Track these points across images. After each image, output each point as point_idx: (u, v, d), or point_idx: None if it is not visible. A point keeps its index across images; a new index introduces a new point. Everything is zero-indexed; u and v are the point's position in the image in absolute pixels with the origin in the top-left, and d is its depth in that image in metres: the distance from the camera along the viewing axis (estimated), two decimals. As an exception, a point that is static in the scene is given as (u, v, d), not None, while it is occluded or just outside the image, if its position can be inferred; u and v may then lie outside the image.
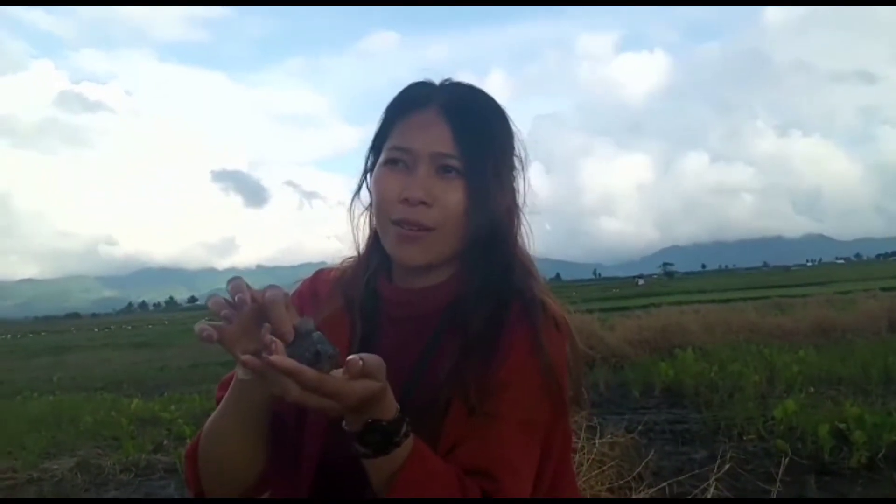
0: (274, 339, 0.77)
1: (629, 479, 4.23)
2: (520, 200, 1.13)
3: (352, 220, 1.16)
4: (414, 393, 0.97)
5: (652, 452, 4.70)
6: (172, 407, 8.66)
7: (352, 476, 0.93)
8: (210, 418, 1.00)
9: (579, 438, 4.21)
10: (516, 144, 1.13)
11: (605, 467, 4.26)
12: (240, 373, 0.88)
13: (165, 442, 6.84)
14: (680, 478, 4.40)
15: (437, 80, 1.11)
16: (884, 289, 18.57)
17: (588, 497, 3.87)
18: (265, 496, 1.06)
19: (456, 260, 1.09)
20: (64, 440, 7.22)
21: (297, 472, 1.02)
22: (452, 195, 1.03)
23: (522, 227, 1.14)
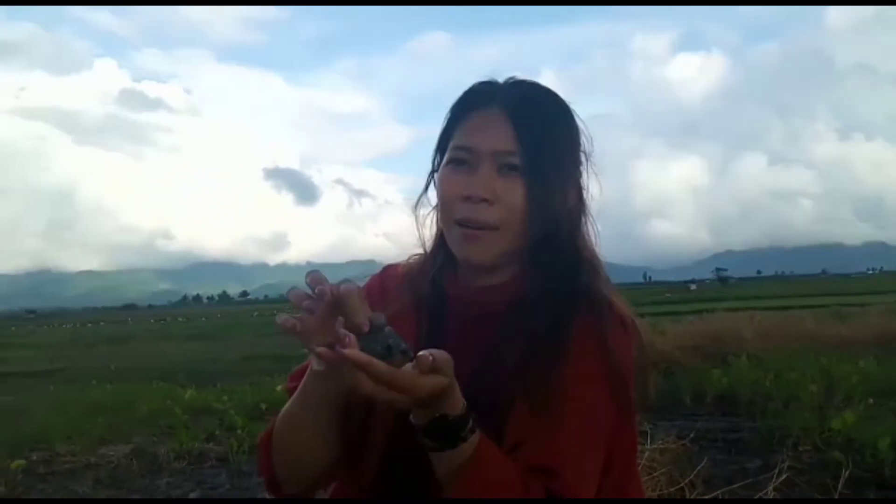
0: (347, 332, 0.79)
1: (681, 485, 4.16)
2: (586, 198, 1.12)
3: (417, 219, 1.17)
4: (479, 391, 0.96)
5: (704, 460, 4.61)
6: (225, 398, 8.82)
7: (416, 468, 0.94)
8: (284, 407, 1.02)
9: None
10: (582, 141, 1.12)
11: (655, 473, 4.19)
12: (314, 364, 0.89)
13: (217, 432, 6.97)
14: (732, 486, 4.31)
15: (502, 79, 1.11)
16: (949, 299, 17.87)
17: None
18: (331, 486, 1.08)
19: (521, 258, 1.09)
20: (120, 427, 7.42)
21: (363, 463, 1.03)
22: (514, 193, 1.02)
23: (589, 226, 1.13)
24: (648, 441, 4.52)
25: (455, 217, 1.05)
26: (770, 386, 7.40)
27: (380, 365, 0.78)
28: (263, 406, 8.16)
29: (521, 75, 1.12)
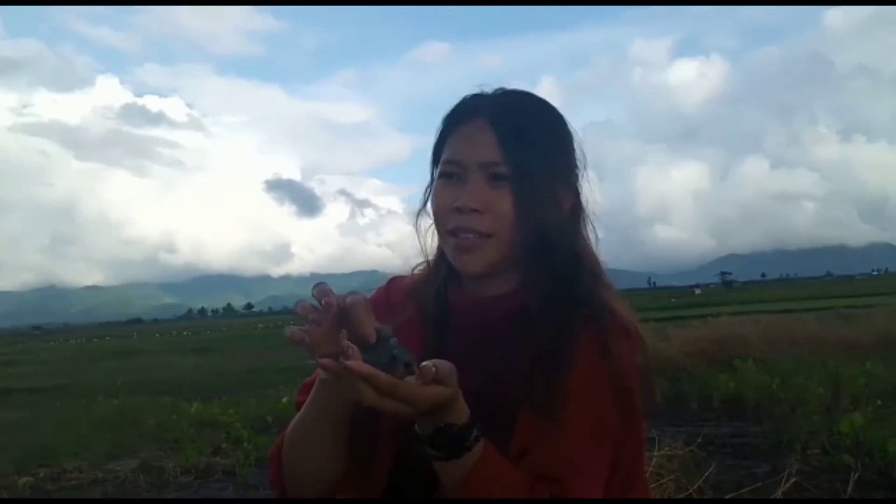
0: (350, 344, 0.79)
1: (689, 491, 4.14)
2: (584, 203, 1.13)
3: (418, 230, 1.18)
4: (484, 401, 0.97)
5: (712, 466, 4.60)
6: (231, 410, 8.83)
7: (425, 477, 0.94)
8: (293, 420, 1.03)
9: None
10: (576, 146, 1.12)
11: (663, 480, 4.18)
12: (321, 375, 0.90)
13: (224, 445, 6.97)
14: (741, 491, 4.29)
15: (489, 90, 1.12)
16: (954, 299, 17.79)
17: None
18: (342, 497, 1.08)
19: (522, 267, 1.10)
20: (127, 442, 7.42)
21: (372, 473, 1.04)
22: (504, 202, 1.03)
23: (589, 231, 1.13)
24: (656, 447, 4.51)
25: (448, 227, 1.06)
26: (777, 390, 7.38)
27: (383, 376, 0.79)
28: (269, 419, 8.17)
29: (519, 84, 1.13)
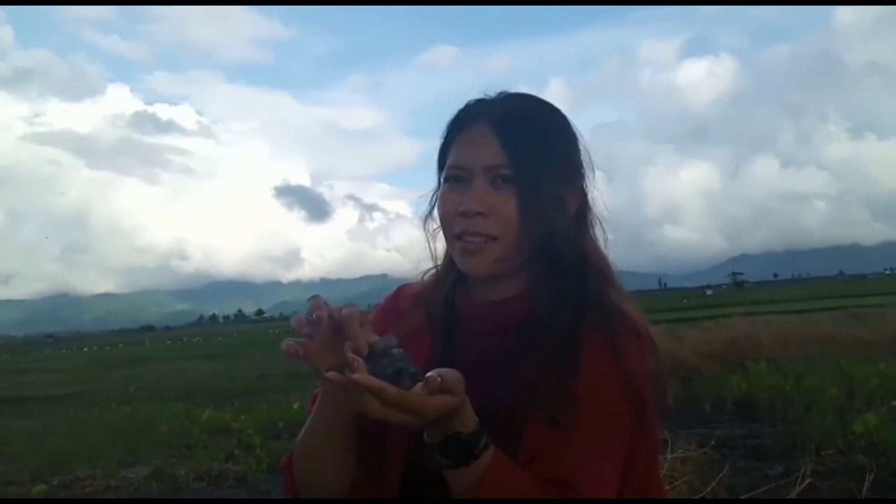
0: (356, 357, 0.80)
1: (703, 494, 4.12)
2: (592, 204, 1.13)
3: (427, 238, 1.19)
4: (493, 406, 0.97)
5: (726, 468, 4.57)
6: (242, 417, 8.83)
7: (437, 482, 0.93)
8: (302, 431, 1.03)
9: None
10: (581, 147, 1.12)
11: (676, 483, 4.16)
12: (325, 386, 0.90)
13: (236, 451, 6.98)
14: (755, 493, 4.27)
15: (493, 94, 1.13)
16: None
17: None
18: None
19: (530, 270, 1.09)
20: (140, 449, 7.44)
21: (383, 478, 1.04)
22: (509, 204, 1.03)
23: (598, 232, 1.13)
24: (669, 450, 4.49)
25: (454, 232, 1.07)
26: (790, 390, 7.33)
27: (388, 388, 0.79)
28: (281, 424, 8.18)
29: (528, 86, 1.14)
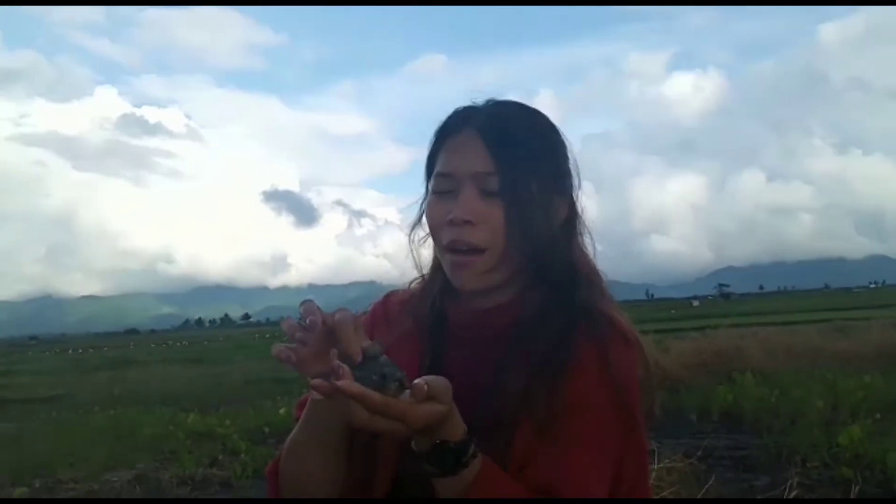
0: (341, 364, 0.79)
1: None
2: (580, 212, 1.12)
3: (411, 245, 1.17)
4: (482, 414, 0.96)
5: (712, 479, 4.58)
6: (227, 422, 8.78)
7: (426, 490, 0.92)
8: (289, 437, 1.02)
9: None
10: (569, 155, 1.11)
11: (662, 493, 4.16)
12: (313, 393, 0.89)
13: (221, 456, 6.94)
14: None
15: (480, 102, 1.12)
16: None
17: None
18: None
19: (519, 279, 1.08)
20: (123, 453, 7.37)
21: (372, 489, 1.02)
22: (496, 214, 1.02)
23: (586, 240, 1.12)
24: (655, 460, 4.49)
25: (443, 242, 1.05)
26: (776, 402, 7.37)
27: (374, 396, 0.78)
28: (266, 430, 8.13)
29: (516, 96, 1.13)
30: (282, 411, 9.15)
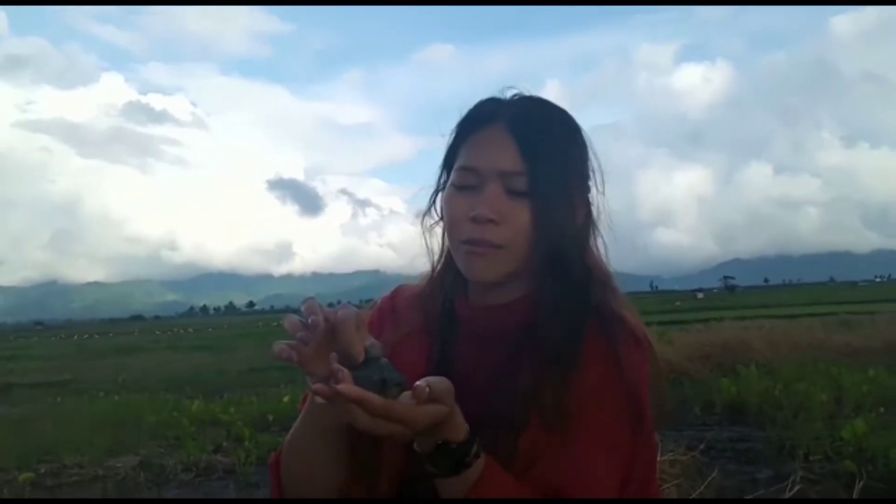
0: (341, 367, 0.77)
1: (692, 497, 4.12)
2: (595, 214, 1.11)
3: (425, 234, 1.16)
4: (491, 411, 0.95)
5: (715, 471, 4.58)
6: (232, 409, 8.80)
7: (431, 489, 0.92)
8: (290, 432, 1.01)
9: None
10: (590, 156, 1.10)
11: (665, 486, 4.17)
12: (313, 398, 0.88)
13: (225, 443, 6.96)
14: (744, 498, 4.27)
15: (496, 92, 1.09)
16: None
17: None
18: None
19: (531, 276, 1.07)
20: (127, 439, 7.40)
21: (378, 480, 1.01)
22: (521, 213, 1.00)
23: (599, 241, 1.11)
24: (658, 453, 4.49)
25: (462, 238, 1.03)
26: (780, 395, 7.34)
27: (375, 399, 0.77)
28: (270, 417, 8.16)
29: (527, 86, 1.10)
30: (286, 399, 9.17)
